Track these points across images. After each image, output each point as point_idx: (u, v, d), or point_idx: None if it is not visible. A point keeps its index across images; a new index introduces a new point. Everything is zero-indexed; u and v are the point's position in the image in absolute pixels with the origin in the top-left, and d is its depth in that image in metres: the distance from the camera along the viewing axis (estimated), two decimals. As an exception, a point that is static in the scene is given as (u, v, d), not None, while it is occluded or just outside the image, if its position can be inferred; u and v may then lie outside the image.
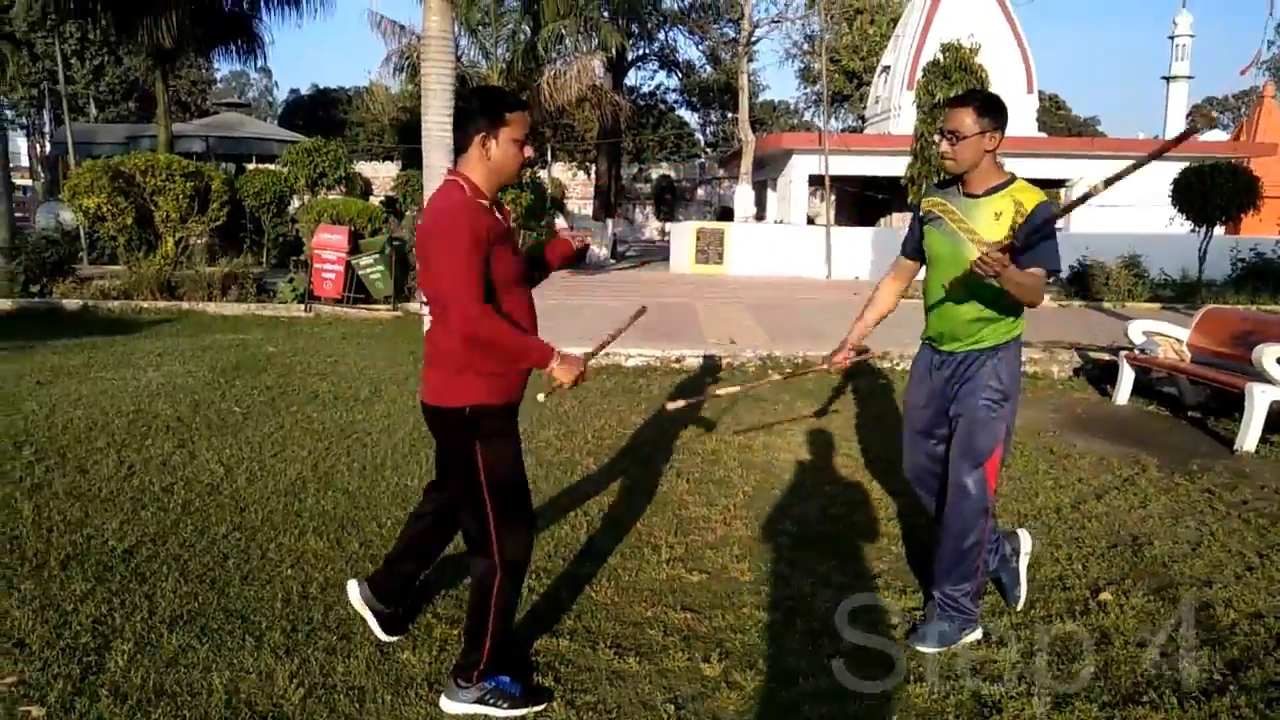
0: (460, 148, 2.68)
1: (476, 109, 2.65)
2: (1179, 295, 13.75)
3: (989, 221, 3.12)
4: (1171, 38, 45.50)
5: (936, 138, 3.34)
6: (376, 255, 12.35)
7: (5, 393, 6.91)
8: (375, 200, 26.18)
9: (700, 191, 46.26)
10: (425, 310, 2.78)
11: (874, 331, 3.65)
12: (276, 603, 3.46)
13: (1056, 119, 63.39)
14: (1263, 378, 6.01)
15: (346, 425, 6.20)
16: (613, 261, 24.97)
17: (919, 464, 3.51)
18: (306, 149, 14.89)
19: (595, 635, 3.27)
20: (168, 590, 3.53)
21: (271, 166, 17.33)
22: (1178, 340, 7.35)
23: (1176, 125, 44.50)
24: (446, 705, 2.78)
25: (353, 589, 3.18)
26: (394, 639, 3.18)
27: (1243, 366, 6.32)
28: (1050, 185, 25.54)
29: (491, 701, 2.75)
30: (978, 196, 3.17)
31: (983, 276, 2.88)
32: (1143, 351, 7.42)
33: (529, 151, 2.73)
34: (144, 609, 3.37)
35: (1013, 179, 3.19)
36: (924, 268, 3.44)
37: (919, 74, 15.38)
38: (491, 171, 2.66)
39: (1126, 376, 7.50)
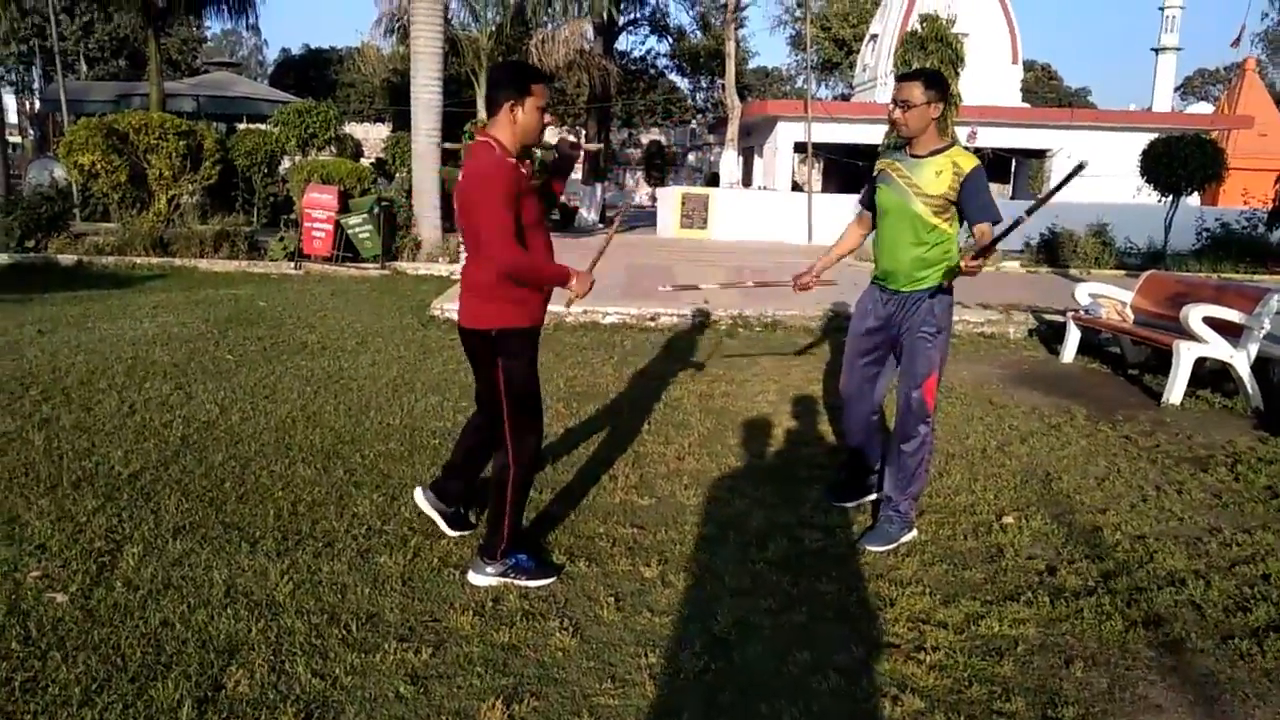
0: (491, 113, 3.18)
1: (507, 80, 3.16)
2: (1144, 263, 14.17)
3: (930, 178, 3.68)
4: (1161, 9, 45.59)
5: (890, 106, 3.83)
6: (365, 215, 12.67)
7: (8, 340, 7.29)
8: (366, 162, 26.42)
9: (691, 157, 46.40)
10: (463, 251, 3.35)
11: (837, 266, 4.28)
12: (269, 517, 3.88)
13: (1048, 89, 63.43)
14: (1189, 335, 6.45)
15: (334, 372, 6.59)
16: (600, 225, 25.27)
17: (854, 382, 4.12)
18: (298, 110, 15.14)
19: (551, 545, 3.71)
20: (171, 507, 3.95)
21: (263, 126, 17.53)
22: (1121, 302, 7.78)
23: (1164, 97, 44.76)
24: (474, 579, 3.32)
25: (418, 494, 3.75)
26: (460, 534, 3.72)
27: (1175, 326, 6.76)
28: (1033, 155, 25.91)
29: (513, 575, 3.31)
30: (922, 157, 3.74)
31: (973, 274, 3.53)
32: (1088, 313, 7.85)
33: (549, 118, 3.25)
34: (150, 521, 3.79)
35: (953, 143, 3.81)
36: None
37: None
38: (518, 134, 3.16)
39: (1073, 336, 7.95)
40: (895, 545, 3.78)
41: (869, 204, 4.01)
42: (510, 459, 3.29)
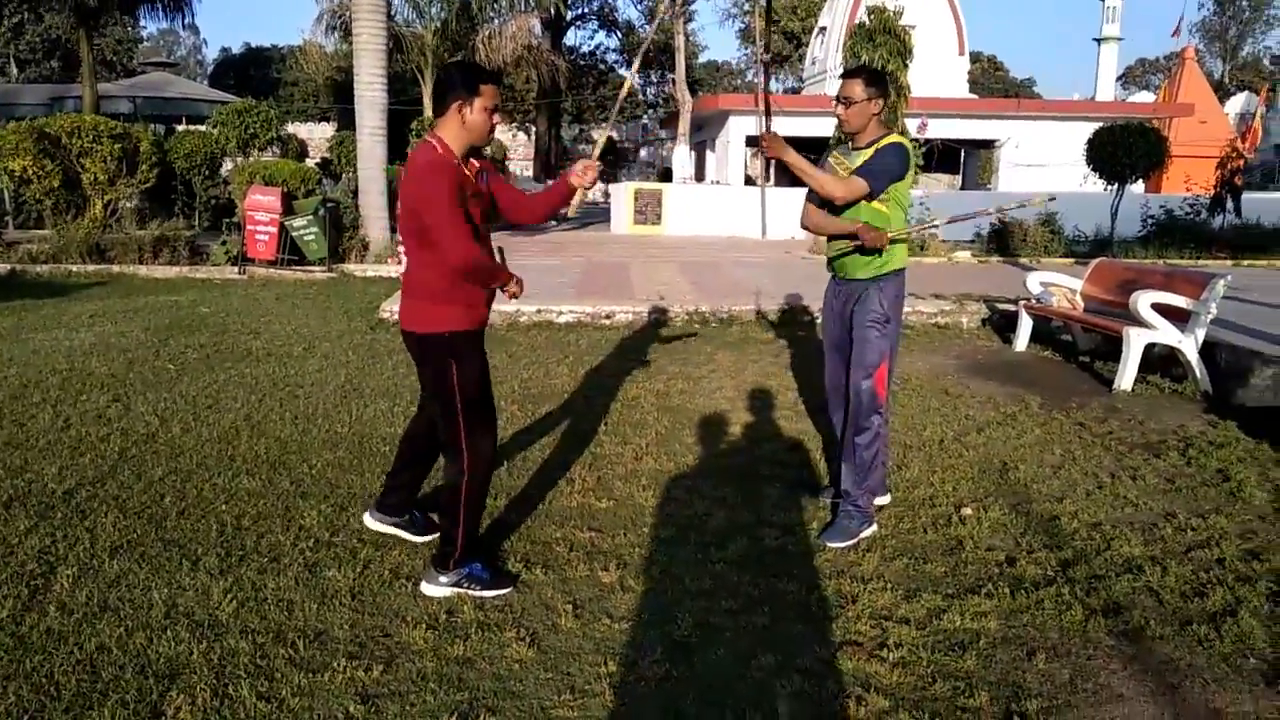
0: (438, 113, 3.13)
1: (457, 80, 3.11)
2: (1092, 251, 14.38)
3: (859, 163, 3.84)
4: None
5: (834, 104, 3.93)
6: (310, 217, 12.41)
7: (-63, 353, 6.99)
8: (311, 162, 25.96)
9: (643, 152, 46.28)
10: (402, 250, 3.24)
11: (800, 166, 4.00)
12: (211, 533, 3.73)
13: (994, 80, 64.42)
14: (1138, 322, 6.53)
15: (279, 379, 6.42)
16: (554, 223, 25.08)
17: (832, 374, 4.15)
18: (237, 110, 14.75)
19: (506, 552, 3.62)
20: (108, 525, 3.78)
21: (202, 128, 17.11)
22: (1071, 290, 7.86)
23: (1107, 86, 45.65)
24: (427, 589, 3.23)
25: (368, 519, 3.69)
26: (426, 539, 3.64)
27: (1125, 313, 6.83)
28: (982, 145, 26.24)
29: (467, 585, 3.22)
30: (862, 148, 3.89)
31: (763, 151, 3.70)
32: (1039, 301, 7.92)
33: (498, 118, 3.19)
34: (85, 541, 3.62)
35: (889, 133, 3.88)
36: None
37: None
38: (466, 133, 3.11)
39: (1025, 325, 8.01)
40: (855, 540, 3.76)
41: (817, 197, 4.05)
42: (464, 465, 3.20)
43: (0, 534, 3.67)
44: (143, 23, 45.82)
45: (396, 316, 3.26)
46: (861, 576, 3.44)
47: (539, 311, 9.05)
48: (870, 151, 3.79)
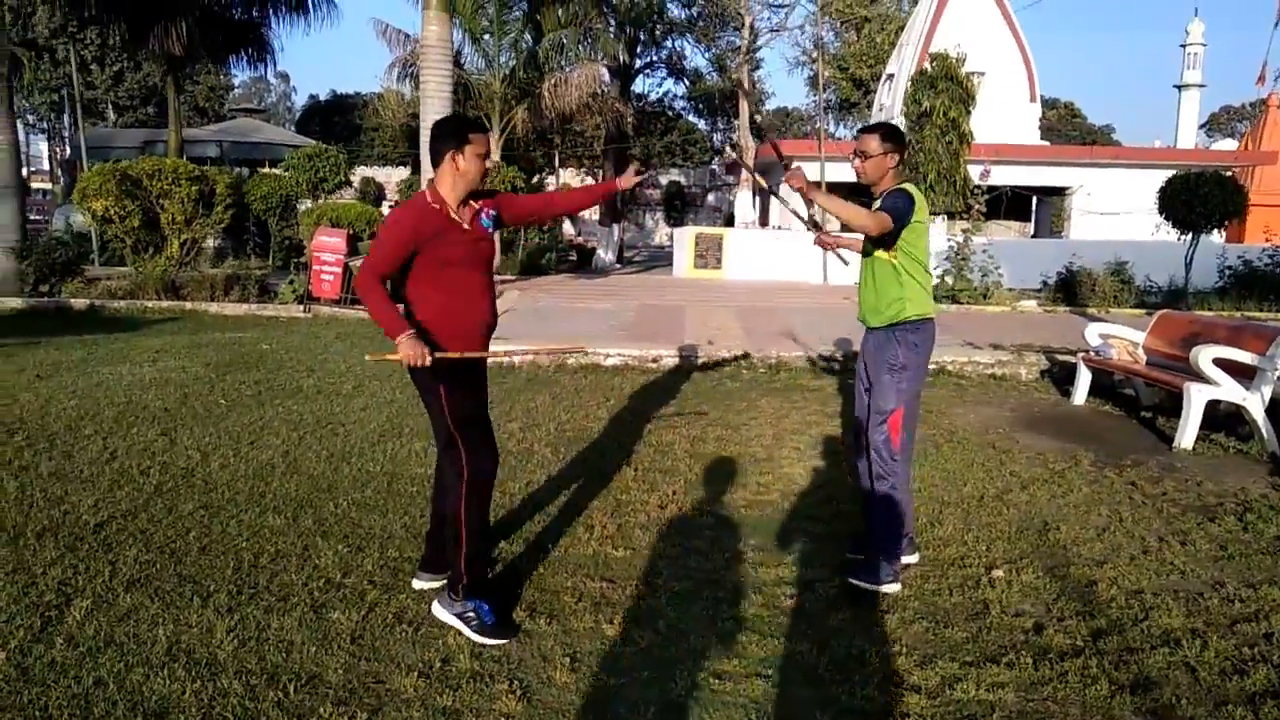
0: (434, 164, 3.30)
1: (447, 132, 3.30)
2: (1164, 302, 13.89)
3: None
4: (1183, 46, 45.51)
5: (851, 156, 4.02)
6: (373, 257, 12.69)
7: (3, 385, 7.28)
8: (386, 205, 26.71)
9: (710, 197, 46.48)
10: None
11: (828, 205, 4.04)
12: (228, 570, 3.76)
13: (1071, 126, 63.29)
14: (1200, 377, 6.24)
15: (324, 416, 6.51)
16: (618, 266, 25.29)
17: (856, 421, 4.16)
18: (308, 154, 15.28)
19: (511, 600, 3.56)
20: (129, 558, 3.85)
21: (278, 171, 17.74)
22: (1133, 343, 7.57)
23: (1188, 133, 44.48)
24: (436, 610, 3.35)
25: (416, 583, 3.65)
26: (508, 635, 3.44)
27: (1188, 367, 6.54)
28: (1053, 192, 25.71)
29: (466, 619, 3.26)
30: (877, 199, 3.94)
31: (792, 186, 3.75)
32: (1098, 354, 7.64)
33: (489, 163, 3.38)
34: (105, 573, 3.68)
35: (903, 183, 3.94)
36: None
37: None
38: (461, 180, 3.28)
39: (1083, 377, 7.73)
40: (879, 588, 3.69)
41: None
42: (464, 468, 3.30)
43: (26, 564, 3.76)
44: (233, 71, 47.95)
45: (449, 355, 3.33)
46: (877, 639, 3.30)
47: (586, 355, 9.06)
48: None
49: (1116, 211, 22.53)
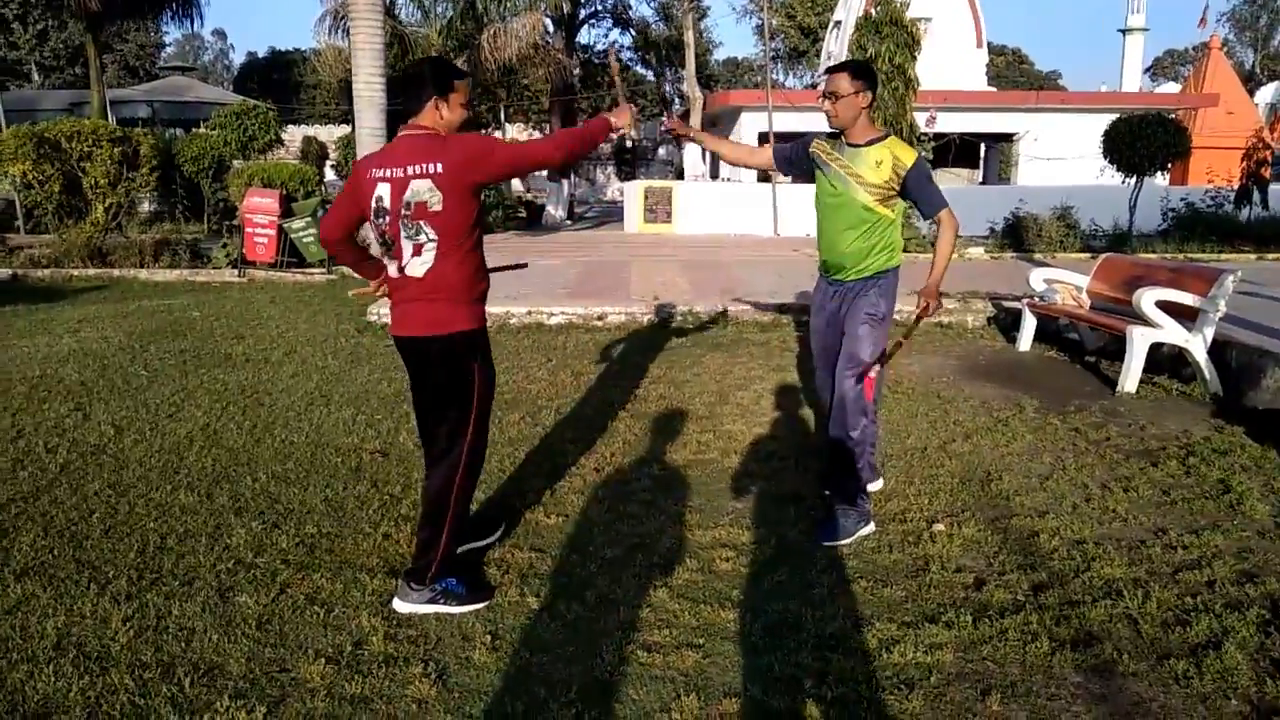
0: (413, 110, 3.03)
1: (429, 77, 3.03)
2: (1109, 246, 13.93)
3: (871, 167, 3.68)
4: (1127, -11, 45.53)
5: (820, 99, 3.77)
6: (309, 218, 12.26)
7: (-91, 361, 6.88)
8: (329, 163, 25.93)
9: (661, 151, 46.01)
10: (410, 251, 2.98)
11: (705, 142, 4.29)
12: (131, 553, 3.53)
13: (1019, 73, 63.48)
14: (1142, 320, 6.19)
15: (250, 386, 6.24)
16: (569, 222, 24.90)
17: (824, 375, 4.03)
18: (235, 111, 14.67)
19: (475, 565, 3.37)
20: (25, 544, 3.60)
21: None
22: (1076, 288, 7.52)
23: (1133, 78, 44.78)
24: (399, 606, 3.09)
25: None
26: (498, 534, 3.69)
27: (1131, 310, 6.50)
28: (1002, 139, 25.74)
29: (442, 601, 3.08)
30: (860, 146, 3.73)
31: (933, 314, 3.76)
32: (1043, 299, 7.59)
33: (469, 113, 3.17)
34: (-3, 562, 3.44)
35: (888, 134, 3.78)
36: (815, 210, 3.95)
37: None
38: (443, 129, 3.06)
39: (1028, 324, 7.68)
40: (852, 539, 3.66)
41: (780, 159, 4.07)
42: (462, 461, 3.10)
43: (-90, 555, 3.50)
44: (164, 29, 46.20)
45: (386, 320, 3.09)
46: (813, 601, 3.18)
47: (529, 313, 8.83)
48: (889, 165, 3.65)
49: (1063, 157, 22.63)
